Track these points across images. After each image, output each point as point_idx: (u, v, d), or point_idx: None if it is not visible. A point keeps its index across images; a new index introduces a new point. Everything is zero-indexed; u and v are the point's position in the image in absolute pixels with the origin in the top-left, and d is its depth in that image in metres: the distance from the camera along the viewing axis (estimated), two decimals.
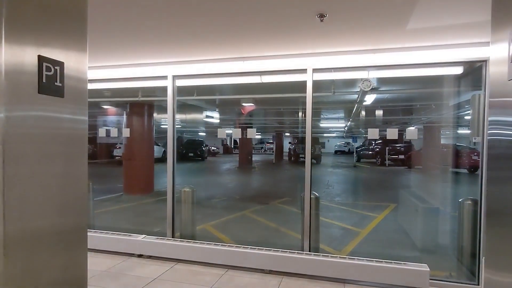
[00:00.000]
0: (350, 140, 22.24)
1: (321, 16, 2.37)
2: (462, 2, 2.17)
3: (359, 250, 4.38)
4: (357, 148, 18.67)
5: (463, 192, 5.17)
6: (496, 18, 0.82)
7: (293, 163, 16.94)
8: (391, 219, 5.93)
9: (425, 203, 4.93)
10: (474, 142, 3.46)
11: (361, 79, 3.72)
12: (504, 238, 0.78)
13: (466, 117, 5.02)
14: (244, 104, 7.04)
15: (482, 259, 3.19)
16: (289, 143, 19.40)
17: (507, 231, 0.77)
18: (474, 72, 3.51)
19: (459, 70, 3.49)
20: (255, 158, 18.94)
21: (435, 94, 4.96)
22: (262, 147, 24.09)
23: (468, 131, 5.41)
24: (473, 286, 3.26)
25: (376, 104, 5.74)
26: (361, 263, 3.26)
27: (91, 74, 4.09)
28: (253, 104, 7.13)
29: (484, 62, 3.17)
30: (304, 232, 3.71)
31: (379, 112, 5.89)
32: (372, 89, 3.85)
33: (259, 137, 21.90)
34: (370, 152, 15.69)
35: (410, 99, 5.83)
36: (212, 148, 20.46)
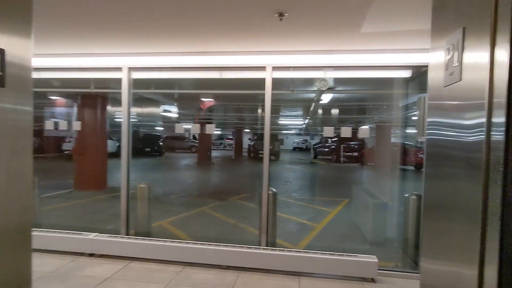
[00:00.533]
0: (308, 137, 22.92)
1: (280, 15, 2.41)
2: (411, 11, 2.32)
3: (314, 244, 4.55)
4: (314, 145, 19.27)
5: (410, 187, 5.55)
6: (434, 28, 0.89)
7: (252, 159, 17.08)
8: (344, 214, 6.22)
9: (375, 198, 5.21)
10: (420, 142, 3.74)
11: (319, 78, 3.85)
12: (438, 230, 0.86)
13: (413, 118, 5.39)
14: (203, 99, 6.96)
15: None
16: (249, 139, 19.53)
17: (441, 224, 0.85)
18: (421, 75, 3.77)
19: (407, 73, 3.73)
20: (214, 154, 18.81)
21: (387, 95, 5.25)
22: (221, 143, 24.00)
23: (415, 131, 5.78)
24: (417, 274, 3.53)
25: (333, 103, 5.94)
26: (315, 256, 3.39)
27: (38, 62, 3.80)
28: (212, 100, 7.08)
29: (428, 66, 3.43)
30: (261, 227, 3.77)
31: (335, 111, 6.09)
32: (328, 88, 3.99)
33: (218, 132, 21.79)
34: (327, 149, 16.27)
35: (363, 99, 6.12)
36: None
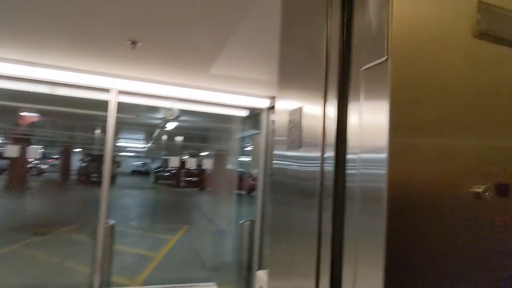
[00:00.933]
0: (148, 161, 22.05)
1: (133, 43, 2.38)
2: (252, 64, 2.72)
3: (154, 276, 4.38)
4: (155, 169, 18.68)
5: (243, 210, 6.09)
6: (280, 99, 1.11)
7: (83, 183, 15.03)
8: (185, 241, 6.26)
9: (212, 223, 5.51)
10: (252, 172, 4.26)
11: (165, 108, 3.89)
12: (282, 251, 1.04)
13: (246, 149, 6.09)
14: (24, 113, 5.80)
15: (257, 271, 3.87)
16: (80, 160, 17.04)
17: (285, 245, 1.03)
18: (255, 116, 4.35)
19: (245, 113, 4.25)
20: (35, 176, 15.56)
21: (226, 128, 5.75)
22: (41, 164, 19.92)
23: (248, 159, 6.51)
24: None
25: (177, 130, 6.04)
26: None
27: None
28: (37, 115, 5.99)
29: (261, 110, 4.02)
30: (95, 265, 3.37)
31: (179, 138, 6.19)
32: (175, 118, 4.08)
33: (41, 151, 18.12)
34: (167, 174, 16.08)
35: (206, 129, 6.49)
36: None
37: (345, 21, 0.83)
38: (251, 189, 8.27)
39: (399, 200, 0.65)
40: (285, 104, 1.08)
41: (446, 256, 0.68)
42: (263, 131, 4.03)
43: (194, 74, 3.10)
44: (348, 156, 0.79)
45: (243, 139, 5.69)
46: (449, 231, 0.67)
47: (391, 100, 0.63)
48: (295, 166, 1.01)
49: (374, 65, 0.68)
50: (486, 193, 0.65)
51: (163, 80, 3.40)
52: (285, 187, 1.08)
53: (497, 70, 0.74)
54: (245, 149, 6.19)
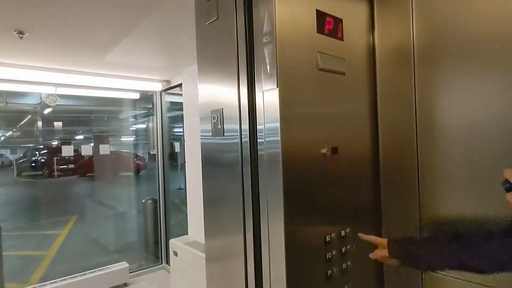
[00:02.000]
0: (4, 151, 18.48)
1: (20, 33, 2.24)
2: (147, 53, 2.85)
3: (51, 273, 4.16)
4: (17, 160, 15.91)
5: (132, 191, 6.03)
6: (203, 100, 1.35)
7: None
8: (77, 232, 5.92)
9: (105, 206, 5.42)
10: (151, 152, 4.39)
11: (49, 94, 3.62)
12: (215, 216, 1.35)
13: (133, 127, 6.04)
14: None
15: (164, 244, 4.15)
16: None
17: (217, 211, 1.34)
18: (146, 98, 4.42)
19: (136, 95, 4.27)
20: None
21: (113, 110, 5.55)
22: None
23: (132, 139, 6.47)
24: (158, 265, 4.17)
25: (56, 114, 5.55)
26: (64, 283, 3.24)
27: None
28: None
29: (154, 92, 4.13)
30: None
31: (57, 124, 5.71)
32: (56, 103, 3.83)
33: None
34: (35, 164, 13.96)
35: (87, 112, 6.07)
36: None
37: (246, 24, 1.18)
38: (138, 169, 8.17)
39: (288, 160, 1.06)
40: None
41: (315, 190, 1.17)
42: (157, 112, 4.17)
43: (86, 61, 3.02)
44: (258, 127, 1.12)
45: (132, 119, 5.62)
46: (313, 175, 1.16)
47: (279, 87, 1.05)
48: (219, 141, 1.28)
49: (269, 90, 1.09)
50: (327, 152, 1.16)
51: (51, 67, 3.17)
52: (212, 161, 1.33)
53: (331, 81, 1.26)
54: (131, 129, 6.12)
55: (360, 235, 1.22)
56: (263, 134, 1.12)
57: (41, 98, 4.03)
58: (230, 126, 1.24)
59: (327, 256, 1.17)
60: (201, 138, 1.39)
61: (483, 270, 0.93)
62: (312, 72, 1.16)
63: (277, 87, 1.05)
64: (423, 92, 1.25)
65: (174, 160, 6.02)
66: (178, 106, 4.00)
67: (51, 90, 3.59)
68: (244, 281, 1.21)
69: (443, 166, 1.21)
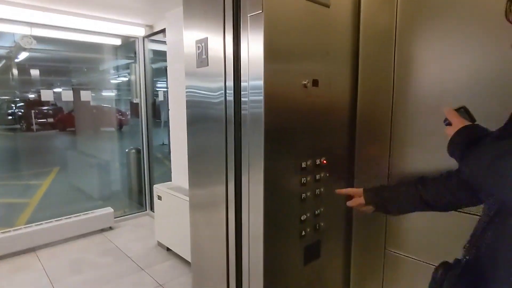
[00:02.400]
0: None
1: None
2: None
3: (36, 217, 4.23)
4: None
5: (115, 145, 6.00)
6: (187, 29, 1.34)
7: None
8: (60, 181, 5.94)
9: (88, 157, 5.42)
10: (134, 102, 4.33)
11: (24, 35, 3.45)
12: (199, 168, 1.40)
13: (114, 81, 5.86)
14: None
15: (148, 191, 4.24)
16: None
17: (201, 164, 1.38)
18: (128, 44, 4.26)
19: (118, 41, 4.11)
20: None
21: (95, 58, 5.35)
22: None
23: (115, 93, 6.32)
24: (143, 212, 4.29)
25: (31, 61, 5.34)
26: (49, 225, 3.32)
27: None
28: None
29: (137, 38, 3.98)
30: None
31: (35, 72, 5.50)
32: (31, 47, 3.67)
33: None
34: (11, 117, 13.52)
35: (65, 60, 5.83)
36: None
37: None
38: (121, 124, 8.05)
39: (269, 97, 1.09)
40: (191, 35, 1.37)
41: (296, 122, 1.23)
42: (139, 59, 4.06)
43: None
44: (242, 84, 1.15)
45: (114, 70, 5.45)
46: (294, 107, 1.19)
47: (264, 40, 1.07)
48: (204, 98, 1.30)
49: (254, 14, 1.09)
50: (308, 83, 1.20)
51: (26, 2, 2.98)
52: (198, 116, 1.36)
53: (316, 13, 1.27)
54: (112, 81, 5.94)
55: (338, 190, 1.31)
56: (247, 93, 1.14)
57: (15, 40, 3.84)
58: (214, 53, 1.26)
59: (302, 181, 1.25)
60: (186, 93, 1.40)
61: (439, 208, 1.09)
62: (298, 1, 1.17)
63: (262, 11, 1.06)
64: (404, 32, 1.29)
65: (157, 118, 5.98)
66: (162, 56, 3.89)
67: (26, 31, 3.41)
68: (225, 227, 1.30)
69: (414, 123, 1.29)
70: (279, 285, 1.24)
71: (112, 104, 7.02)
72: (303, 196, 1.26)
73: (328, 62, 1.31)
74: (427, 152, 1.26)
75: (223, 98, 1.25)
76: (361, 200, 1.24)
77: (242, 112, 1.18)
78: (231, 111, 1.23)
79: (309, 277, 1.35)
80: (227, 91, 1.23)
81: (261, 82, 1.09)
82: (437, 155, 1.21)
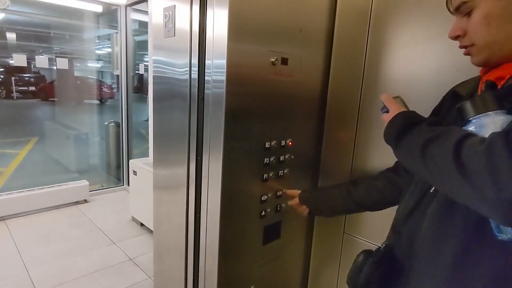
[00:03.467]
0: None
1: None
2: None
3: (9, 187, 4.14)
4: None
5: (95, 118, 5.87)
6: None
7: None
8: (37, 152, 5.81)
9: (67, 129, 5.29)
10: (116, 75, 4.21)
11: None
12: (164, 147, 1.36)
13: (98, 52, 5.66)
14: None
15: (126, 166, 4.18)
16: None
17: (165, 143, 1.34)
18: (111, 12, 4.10)
19: (99, 8, 3.94)
20: None
21: (76, 25, 5.13)
22: None
23: (100, 64, 6.12)
24: (120, 186, 4.25)
25: (5, 24, 5.09)
26: (21, 195, 3.25)
27: None
28: None
29: (119, 6, 3.82)
30: None
31: (11, 36, 5.26)
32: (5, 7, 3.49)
33: None
34: None
35: (45, 26, 5.59)
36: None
37: None
38: (106, 97, 7.87)
39: (232, 100, 1.06)
40: (160, 2, 1.30)
41: (260, 100, 1.20)
42: (121, 29, 3.91)
43: None
44: (206, 62, 1.09)
45: (96, 40, 5.25)
46: (260, 85, 1.16)
47: (230, 13, 1.01)
48: (170, 74, 1.24)
49: None
50: (276, 61, 1.17)
51: None
52: (163, 94, 1.30)
53: None
54: (97, 52, 5.74)
55: (287, 191, 1.33)
56: (210, 71, 1.09)
57: None
58: (181, 25, 1.20)
59: (265, 161, 1.23)
60: (153, 68, 1.34)
61: (369, 207, 1.17)
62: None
63: None
64: (380, 15, 1.25)
65: (144, 93, 5.85)
66: (146, 28, 3.74)
67: None
68: (185, 207, 1.27)
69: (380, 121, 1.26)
70: (235, 262, 1.24)
71: (98, 76, 6.81)
72: (265, 176, 1.24)
73: (300, 40, 1.27)
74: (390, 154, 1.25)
75: (187, 76, 1.19)
76: (296, 200, 1.30)
77: (206, 91, 1.14)
78: (195, 90, 1.17)
79: (268, 257, 1.36)
80: (192, 68, 1.18)
81: (224, 61, 1.04)
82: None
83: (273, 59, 1.16)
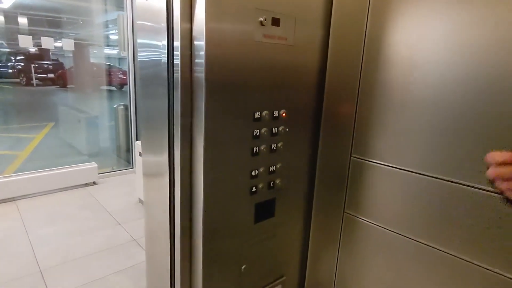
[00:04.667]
0: None
1: None
2: None
3: (22, 169, 4.23)
4: None
5: (113, 104, 5.94)
6: None
7: None
8: (53, 136, 5.91)
9: (84, 113, 5.35)
10: (122, 58, 4.16)
11: None
12: (149, 135, 1.26)
13: (112, 37, 5.63)
14: None
15: (135, 148, 4.18)
16: None
17: (151, 131, 1.22)
18: None
19: None
20: None
21: (83, 9, 5.11)
22: None
23: (115, 51, 6.10)
24: (130, 169, 4.26)
25: (17, 10, 5.13)
26: (31, 176, 3.29)
27: None
28: None
29: None
30: None
31: (23, 20, 5.32)
32: None
33: None
34: (11, 71, 13.37)
35: (56, 10, 5.59)
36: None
37: None
38: (122, 84, 7.86)
39: (211, 81, 0.97)
40: None
41: (248, 70, 1.09)
42: (127, 9, 3.84)
43: None
44: (195, 43, 0.97)
45: (106, 24, 5.22)
46: (247, 52, 1.05)
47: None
48: (153, 57, 1.11)
49: None
50: (265, 21, 1.05)
51: None
52: (148, 78, 1.18)
53: None
54: (110, 37, 5.71)
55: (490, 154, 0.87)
56: (195, 53, 0.98)
57: None
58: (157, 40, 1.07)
59: (255, 133, 1.13)
60: (138, 52, 1.23)
61: None
62: None
63: None
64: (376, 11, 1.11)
65: None
66: None
67: None
68: (168, 190, 1.17)
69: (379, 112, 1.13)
70: (222, 242, 1.16)
71: (115, 63, 6.83)
72: (255, 150, 1.14)
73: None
74: (392, 147, 1.13)
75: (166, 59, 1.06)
76: None
77: (176, 73, 1.02)
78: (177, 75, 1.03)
79: (261, 236, 1.27)
80: (174, 52, 1.03)
81: (202, 26, 0.93)
82: (401, 153, 1.08)
83: (262, 19, 1.05)
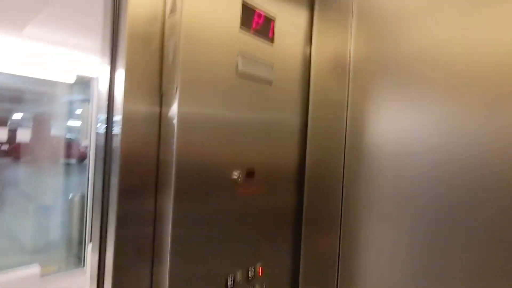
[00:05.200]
0: None
1: None
2: (80, 29, 2.50)
3: None
4: None
5: (75, 182, 5.55)
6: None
7: None
8: None
9: (35, 200, 4.89)
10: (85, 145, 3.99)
11: None
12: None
13: (76, 112, 5.50)
14: None
15: (89, 245, 3.77)
16: None
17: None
18: (84, 83, 4.01)
19: (72, 79, 3.85)
20: None
21: (49, 92, 5.02)
22: None
23: (77, 124, 5.92)
24: (80, 269, 3.77)
25: None
26: None
27: None
28: None
29: (91, 78, 3.76)
30: None
31: None
32: None
33: None
34: None
35: (21, 90, 5.46)
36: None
37: None
38: (83, 157, 7.53)
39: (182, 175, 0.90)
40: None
41: (219, 229, 0.98)
42: (93, 101, 3.79)
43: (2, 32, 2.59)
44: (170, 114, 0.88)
45: (71, 103, 5.12)
46: (217, 211, 0.97)
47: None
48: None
49: None
50: (239, 177, 0.98)
51: None
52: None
53: (254, 91, 1.07)
54: (74, 112, 5.57)
55: None
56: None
57: None
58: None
59: None
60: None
61: None
62: (228, 76, 0.96)
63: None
64: (356, 107, 1.11)
65: None
66: None
67: None
68: None
69: (368, 200, 1.07)
70: None
71: (74, 135, 6.59)
72: None
73: (268, 144, 1.09)
74: (386, 237, 1.03)
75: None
76: None
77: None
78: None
79: None
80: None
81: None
82: (394, 242, 0.98)
83: (236, 175, 0.97)
